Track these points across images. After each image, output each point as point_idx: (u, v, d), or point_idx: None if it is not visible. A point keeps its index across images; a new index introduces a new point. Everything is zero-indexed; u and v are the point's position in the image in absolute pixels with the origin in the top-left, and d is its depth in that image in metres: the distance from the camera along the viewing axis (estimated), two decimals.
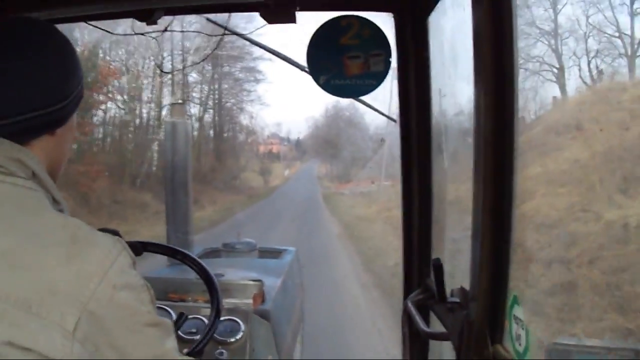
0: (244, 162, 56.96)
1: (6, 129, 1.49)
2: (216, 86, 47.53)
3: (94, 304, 1.33)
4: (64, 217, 1.48)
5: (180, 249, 2.51)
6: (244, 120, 55.96)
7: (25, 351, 1.27)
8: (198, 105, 46.02)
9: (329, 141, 58.90)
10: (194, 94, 45.05)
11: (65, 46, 1.63)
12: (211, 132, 50.57)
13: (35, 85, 1.53)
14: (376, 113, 3.48)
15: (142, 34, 3.09)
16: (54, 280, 1.32)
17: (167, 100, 38.33)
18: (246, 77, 48.77)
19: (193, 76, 44.05)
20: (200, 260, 2.49)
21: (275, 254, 7.44)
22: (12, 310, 1.28)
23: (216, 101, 49.34)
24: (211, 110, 49.61)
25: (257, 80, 49.59)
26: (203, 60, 42.81)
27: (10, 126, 1.50)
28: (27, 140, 1.55)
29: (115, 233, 1.92)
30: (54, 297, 1.30)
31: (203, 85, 46.25)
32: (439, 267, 2.16)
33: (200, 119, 46.21)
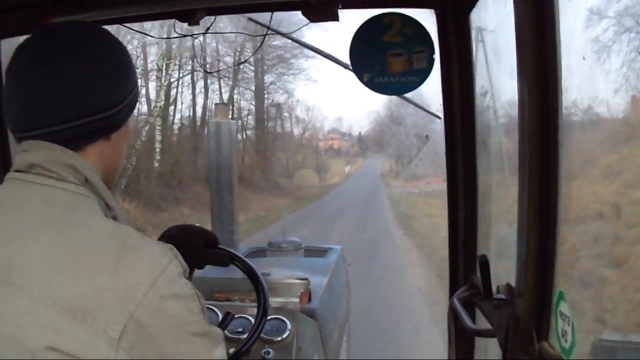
0: (301, 158, 52.77)
1: (61, 134, 1.49)
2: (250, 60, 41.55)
3: (141, 312, 1.33)
4: (114, 225, 1.48)
5: (226, 248, 2.52)
6: (300, 112, 51.54)
7: (68, 357, 1.29)
8: (223, 81, 39.96)
9: (393, 135, 53.76)
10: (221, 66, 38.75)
11: (118, 50, 1.62)
12: (250, 119, 45.18)
13: (90, 90, 1.51)
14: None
15: (182, 36, 3.11)
16: (101, 288, 1.33)
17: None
18: (292, 54, 42.37)
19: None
20: (247, 259, 2.50)
21: (321, 252, 7.42)
22: (57, 316, 1.30)
23: (250, 77, 43.86)
24: (248, 91, 44.06)
25: (305, 57, 43.03)
26: (244, 62, 40.78)
27: (64, 132, 1.49)
28: (82, 146, 1.54)
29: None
30: (100, 305, 1.31)
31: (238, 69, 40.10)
32: (485, 264, 2.15)
33: (230, 99, 40.73)
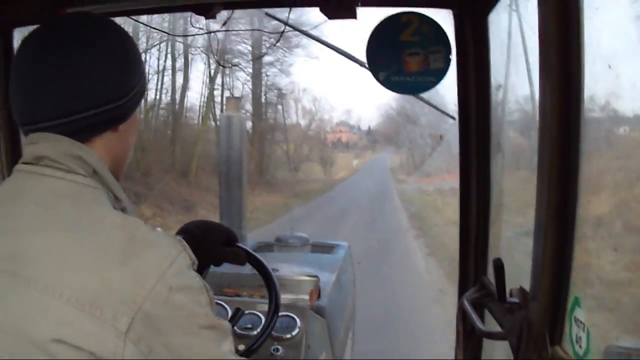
0: (307, 150, 49.20)
1: (68, 126, 1.49)
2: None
3: (149, 305, 1.33)
4: (123, 217, 1.48)
5: (244, 247, 2.50)
6: (307, 103, 47.51)
7: (75, 349, 1.29)
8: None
9: (407, 134, 47.99)
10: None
11: (125, 40, 1.62)
12: (245, 104, 36.80)
13: (97, 81, 1.51)
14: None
15: (204, 33, 3.10)
16: (109, 279, 1.32)
17: None
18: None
19: None
20: (258, 255, 2.48)
21: (328, 248, 7.40)
22: (64, 307, 1.30)
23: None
24: (240, 73, 37.02)
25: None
26: (263, 56, 37.99)
27: (71, 124, 1.49)
28: (89, 137, 1.54)
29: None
30: (108, 297, 1.31)
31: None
32: (500, 267, 2.13)
33: (214, 78, 34.63)
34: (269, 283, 2.44)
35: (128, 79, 1.59)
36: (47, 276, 1.32)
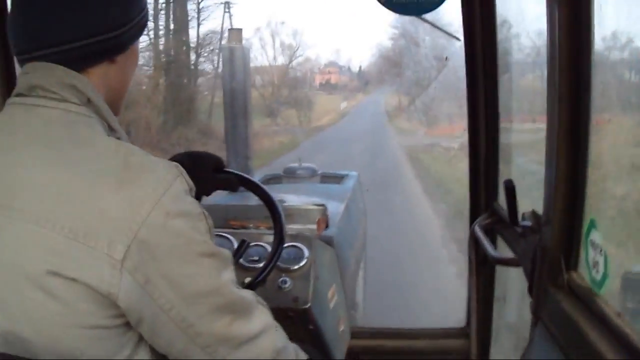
0: (286, 92, 38.41)
1: (63, 55, 1.44)
2: None
3: (145, 231, 1.29)
4: (117, 143, 1.43)
5: (236, 172, 2.45)
6: (285, 37, 41.15)
7: (70, 281, 1.26)
8: None
9: (407, 51, 32.91)
10: None
11: None
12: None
13: (95, 9, 1.46)
14: None
15: None
16: (103, 207, 1.28)
17: None
18: None
19: None
20: (262, 185, 2.43)
21: (337, 179, 7.35)
22: (58, 238, 1.26)
23: None
24: None
25: None
26: None
27: (67, 52, 1.44)
28: (85, 67, 1.49)
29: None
30: (102, 225, 1.27)
31: None
32: (511, 189, 2.07)
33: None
34: (272, 209, 2.39)
35: (127, 10, 1.54)
36: (41, 207, 1.29)
